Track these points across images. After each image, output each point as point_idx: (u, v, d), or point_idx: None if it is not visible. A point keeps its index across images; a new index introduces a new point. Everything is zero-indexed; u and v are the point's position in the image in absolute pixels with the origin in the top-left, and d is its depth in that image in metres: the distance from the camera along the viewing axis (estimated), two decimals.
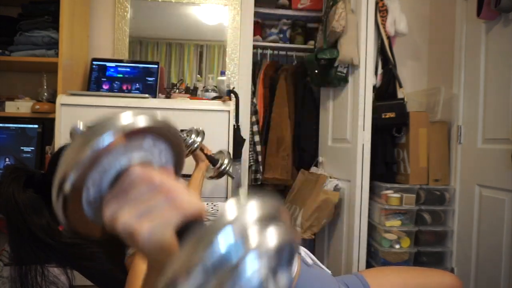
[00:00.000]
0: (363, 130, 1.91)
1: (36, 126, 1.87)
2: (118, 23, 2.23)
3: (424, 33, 2.36)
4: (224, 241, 0.27)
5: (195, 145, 1.33)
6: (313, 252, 2.43)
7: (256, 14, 2.37)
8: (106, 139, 0.34)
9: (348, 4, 2.00)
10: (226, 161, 1.41)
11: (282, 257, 0.30)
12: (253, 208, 0.29)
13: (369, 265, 1.98)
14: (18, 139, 1.86)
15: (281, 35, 2.60)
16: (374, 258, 2.02)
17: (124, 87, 2.03)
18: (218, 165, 1.39)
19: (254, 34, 2.37)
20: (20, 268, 0.70)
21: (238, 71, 2.28)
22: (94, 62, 2.06)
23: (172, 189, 0.34)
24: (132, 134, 0.36)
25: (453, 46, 2.00)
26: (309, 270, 0.89)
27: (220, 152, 1.48)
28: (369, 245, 1.98)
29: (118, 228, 0.33)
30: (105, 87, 2.03)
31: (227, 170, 1.42)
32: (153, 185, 0.34)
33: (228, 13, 2.29)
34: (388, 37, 2.12)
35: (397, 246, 1.92)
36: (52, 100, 1.86)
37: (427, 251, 1.96)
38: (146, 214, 0.33)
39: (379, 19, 2.09)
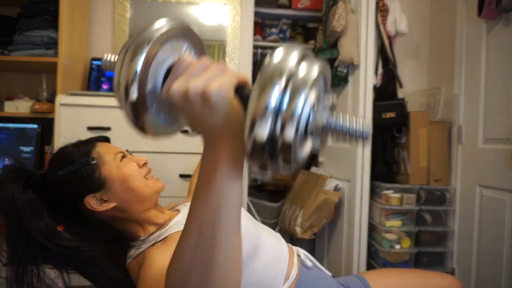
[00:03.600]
0: None
1: (35, 126, 1.87)
2: (118, 23, 2.23)
3: (425, 33, 2.35)
4: (280, 84, 0.33)
5: None
6: (313, 252, 2.44)
7: (256, 14, 2.37)
8: (147, 50, 0.38)
9: (348, 4, 2.00)
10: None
11: (324, 83, 0.38)
12: (293, 52, 0.35)
13: (369, 266, 1.98)
14: (18, 139, 1.86)
15: (281, 35, 2.60)
16: (374, 258, 2.02)
17: None
18: None
19: (254, 34, 2.36)
20: (17, 269, 0.70)
21: (238, 71, 2.28)
22: (94, 62, 2.05)
23: (220, 65, 0.38)
24: (169, 40, 0.41)
25: (453, 46, 2.00)
26: (309, 273, 0.89)
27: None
28: (369, 245, 1.98)
29: (189, 94, 0.36)
30: (104, 86, 2.02)
31: None
32: (203, 64, 0.38)
33: (228, 12, 2.29)
34: (389, 37, 2.12)
35: (398, 246, 1.92)
36: (51, 100, 1.85)
37: (428, 252, 1.95)
38: (209, 79, 0.36)
39: (380, 19, 2.08)
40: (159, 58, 0.40)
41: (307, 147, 0.36)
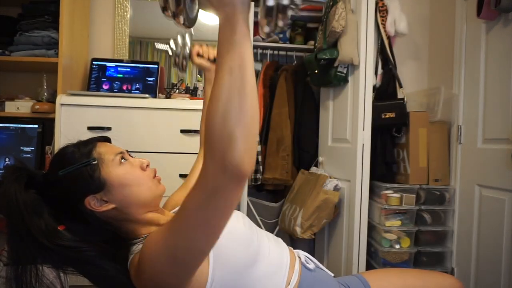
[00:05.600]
0: (363, 130, 1.91)
1: (36, 126, 1.87)
2: (118, 23, 2.23)
3: (424, 33, 2.36)
4: None
5: (187, 50, 1.06)
6: (313, 252, 2.44)
7: (256, 14, 2.37)
8: None
9: (348, 4, 2.00)
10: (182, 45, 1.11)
11: None
12: None
13: (369, 265, 1.98)
14: (18, 139, 1.86)
15: (281, 35, 2.60)
16: (374, 258, 2.02)
17: (124, 87, 2.03)
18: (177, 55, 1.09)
19: (254, 34, 2.37)
20: (16, 268, 0.70)
21: None
22: (94, 62, 2.06)
23: None
24: None
25: (453, 46, 2.01)
26: (310, 275, 0.89)
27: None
28: (369, 245, 1.98)
29: None
30: (105, 87, 2.03)
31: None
32: None
33: None
34: (388, 37, 2.12)
35: (397, 246, 1.92)
36: (52, 100, 1.86)
37: (427, 251, 1.96)
38: None
39: (379, 19, 2.09)
40: None
41: (290, 9, 0.55)
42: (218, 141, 0.53)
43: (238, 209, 2.15)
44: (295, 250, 0.96)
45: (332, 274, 0.98)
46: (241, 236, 0.82)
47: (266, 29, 0.56)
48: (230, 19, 0.54)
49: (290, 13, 0.56)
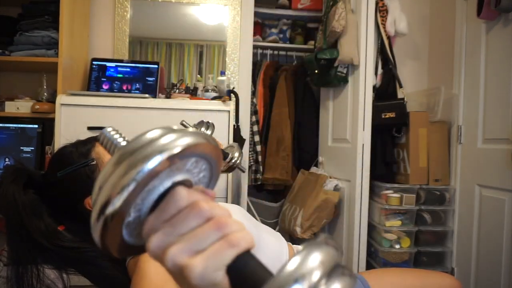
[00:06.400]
0: (363, 130, 1.91)
1: (36, 126, 1.87)
2: (118, 23, 2.23)
3: (424, 33, 2.36)
4: None
5: None
6: None
7: (256, 14, 2.37)
8: (154, 163, 0.30)
9: (348, 4, 2.00)
10: (236, 155, 1.29)
11: None
12: (316, 261, 0.26)
13: (369, 265, 1.98)
14: (18, 139, 1.86)
15: (281, 35, 2.60)
16: (374, 258, 2.02)
17: (124, 87, 2.03)
18: (228, 159, 1.26)
19: (254, 34, 2.37)
20: (16, 269, 0.70)
21: (238, 71, 2.29)
22: (94, 62, 2.06)
23: (222, 221, 0.30)
24: (180, 156, 0.32)
25: (453, 46, 2.00)
26: None
27: (231, 146, 1.36)
28: (369, 245, 1.98)
29: (166, 262, 0.29)
30: (105, 87, 2.03)
31: (237, 164, 1.30)
32: (200, 212, 0.31)
33: (228, 13, 2.29)
34: (388, 37, 2.12)
35: (397, 246, 1.92)
36: (52, 100, 1.86)
37: (427, 251, 1.96)
38: (197, 249, 0.29)
39: (379, 19, 2.09)
40: (155, 183, 0.32)
41: None
42: None
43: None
44: (294, 246, 0.96)
45: None
46: None
47: None
48: None
49: None
